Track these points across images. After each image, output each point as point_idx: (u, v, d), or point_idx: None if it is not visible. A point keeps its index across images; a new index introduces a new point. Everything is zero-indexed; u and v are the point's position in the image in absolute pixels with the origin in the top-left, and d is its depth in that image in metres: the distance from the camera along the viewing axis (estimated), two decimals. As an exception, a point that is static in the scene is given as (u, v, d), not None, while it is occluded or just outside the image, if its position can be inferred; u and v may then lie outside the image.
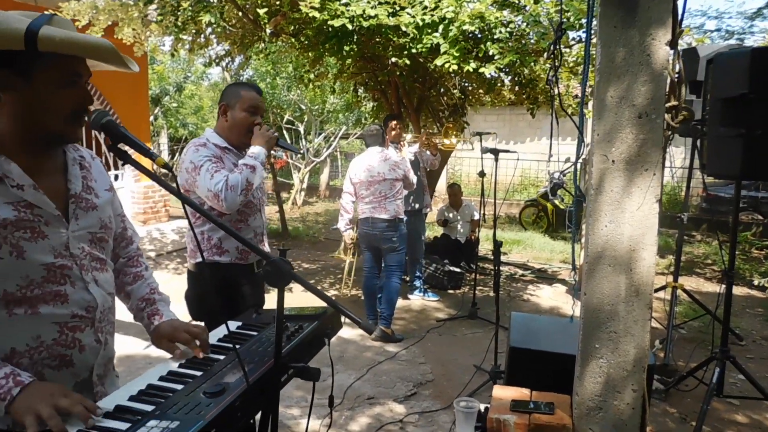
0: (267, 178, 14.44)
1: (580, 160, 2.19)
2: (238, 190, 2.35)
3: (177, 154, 15.86)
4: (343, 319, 5.50)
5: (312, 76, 7.02)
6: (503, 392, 2.07)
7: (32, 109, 1.26)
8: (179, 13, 4.65)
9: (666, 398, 3.69)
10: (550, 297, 6.17)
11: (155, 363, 2.20)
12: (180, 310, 1.88)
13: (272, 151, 2.71)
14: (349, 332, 4.91)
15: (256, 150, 2.48)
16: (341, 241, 6.04)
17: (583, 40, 5.36)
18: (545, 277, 7.10)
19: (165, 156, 17.11)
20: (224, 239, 2.50)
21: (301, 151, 12.33)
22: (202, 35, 5.58)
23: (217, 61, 6.14)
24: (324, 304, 1.38)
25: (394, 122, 5.53)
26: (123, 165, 8.26)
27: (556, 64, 2.39)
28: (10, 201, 1.26)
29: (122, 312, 1.67)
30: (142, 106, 8.52)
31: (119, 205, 1.61)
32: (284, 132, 12.67)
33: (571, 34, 5.21)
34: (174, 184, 1.26)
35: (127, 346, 4.20)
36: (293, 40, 5.40)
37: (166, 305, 1.62)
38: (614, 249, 1.72)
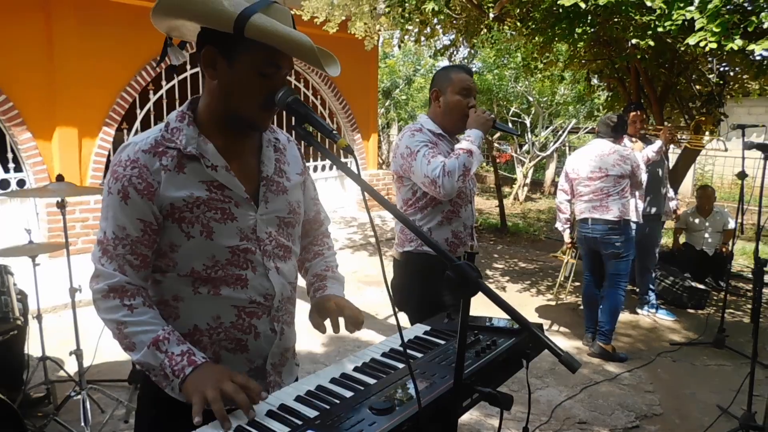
0: (488, 172, 14.32)
1: None
2: (456, 176, 2.26)
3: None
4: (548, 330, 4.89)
5: (540, 64, 6.60)
6: (761, 458, 1.59)
7: (229, 91, 1.26)
8: (405, 3, 4.67)
9: None
10: (830, 333, 4.89)
11: (363, 347, 2.18)
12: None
13: (497, 145, 2.53)
14: (564, 342, 4.48)
15: (472, 134, 2.37)
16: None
17: None
18: (825, 306, 5.68)
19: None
20: (435, 230, 2.45)
21: (519, 132, 11.73)
22: (428, 26, 5.58)
23: (442, 51, 6.10)
24: (531, 318, 1.13)
25: (636, 113, 4.89)
26: (347, 156, 8.78)
27: None
28: (204, 180, 1.27)
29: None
30: (372, 99, 9.00)
31: (312, 188, 1.58)
32: (509, 124, 12.33)
33: None
34: (355, 169, 1.12)
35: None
36: (519, 24, 5.08)
37: (336, 283, 1.54)
38: None
